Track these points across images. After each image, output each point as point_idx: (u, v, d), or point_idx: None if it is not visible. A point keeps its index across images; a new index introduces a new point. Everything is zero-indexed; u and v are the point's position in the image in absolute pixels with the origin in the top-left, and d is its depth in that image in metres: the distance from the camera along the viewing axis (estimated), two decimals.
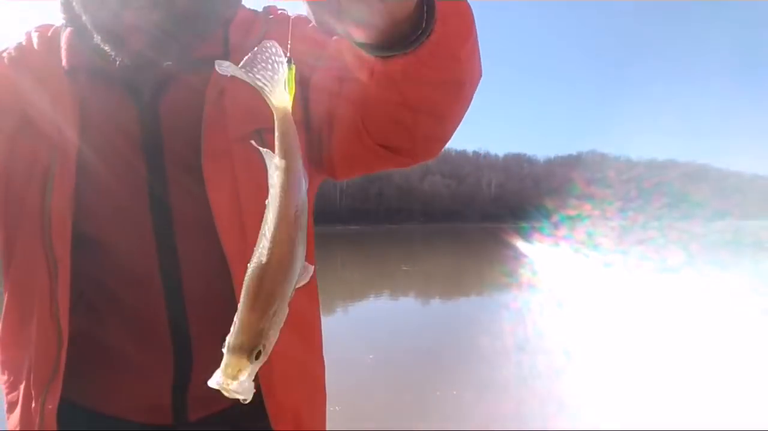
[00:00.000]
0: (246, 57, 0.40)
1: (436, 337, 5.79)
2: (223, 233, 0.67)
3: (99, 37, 0.68)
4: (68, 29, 0.74)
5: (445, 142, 0.72)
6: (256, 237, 0.41)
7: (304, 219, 0.41)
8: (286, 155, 0.40)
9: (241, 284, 0.41)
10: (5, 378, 0.72)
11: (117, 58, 0.68)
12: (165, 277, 0.70)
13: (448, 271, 13.31)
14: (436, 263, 15.67)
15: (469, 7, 0.60)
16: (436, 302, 8.97)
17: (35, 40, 0.75)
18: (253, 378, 0.38)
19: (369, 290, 9.69)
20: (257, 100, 0.48)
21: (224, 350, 0.38)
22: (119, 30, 0.67)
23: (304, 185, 0.41)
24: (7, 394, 0.72)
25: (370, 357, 4.57)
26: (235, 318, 0.38)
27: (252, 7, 0.80)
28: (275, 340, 0.40)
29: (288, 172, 0.40)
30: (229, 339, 0.37)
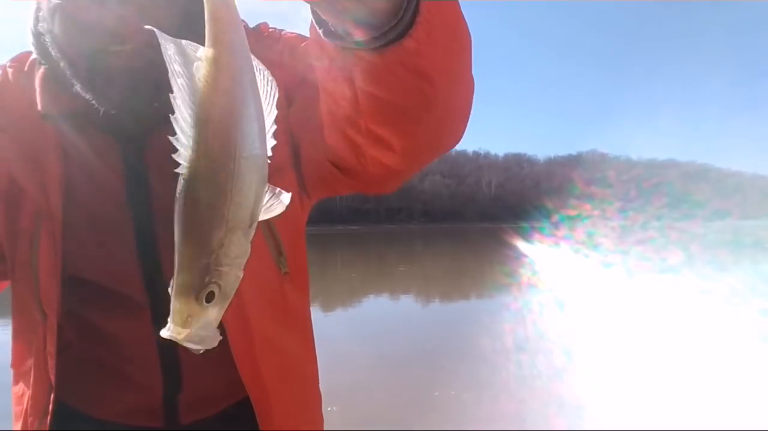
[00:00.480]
0: None
1: (435, 337, 5.79)
2: None
3: (79, 86, 0.64)
4: (42, 69, 0.69)
5: (400, 178, 0.68)
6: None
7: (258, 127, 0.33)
8: (215, 43, 0.32)
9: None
10: (14, 405, 0.75)
11: (100, 108, 0.65)
12: (156, 320, 0.71)
13: (448, 271, 13.31)
14: (436, 263, 15.67)
15: (461, 21, 0.52)
16: (436, 302, 8.97)
17: (11, 77, 0.71)
18: (212, 325, 0.33)
19: (369, 290, 9.69)
20: None
21: (170, 292, 0.32)
22: (101, 78, 0.63)
23: (266, 89, 0.34)
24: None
25: (370, 357, 4.57)
26: (175, 255, 0.32)
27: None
28: (236, 282, 0.34)
29: (218, 63, 0.32)
30: (172, 280, 0.32)
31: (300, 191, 0.77)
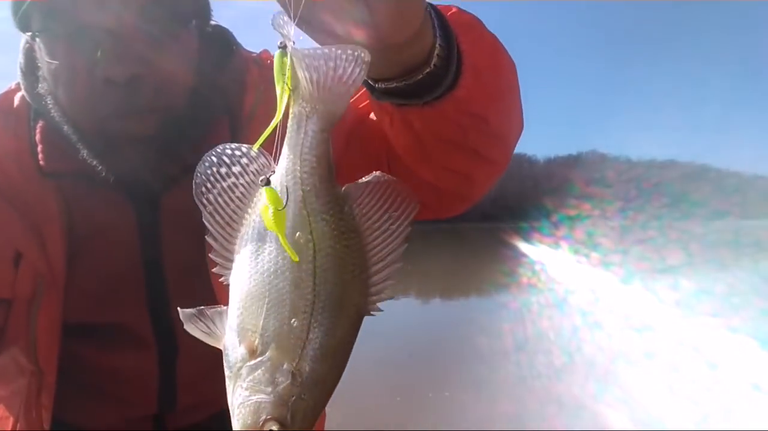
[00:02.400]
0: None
1: (435, 337, 5.78)
2: None
3: (85, 152, 0.63)
4: (40, 123, 0.67)
5: (474, 201, 0.71)
6: None
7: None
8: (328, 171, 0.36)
9: None
10: None
11: (109, 175, 0.64)
12: (162, 354, 0.72)
13: (448, 271, 13.29)
14: (436, 263, 15.66)
15: (504, 58, 0.54)
16: (436, 302, 8.96)
17: None
18: None
19: None
20: None
21: None
22: (111, 146, 0.62)
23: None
24: None
25: (370, 356, 4.57)
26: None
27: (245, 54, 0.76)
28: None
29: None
30: None
31: None
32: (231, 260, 0.38)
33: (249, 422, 0.36)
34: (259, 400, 0.36)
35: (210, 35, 0.71)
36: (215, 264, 0.47)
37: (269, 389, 0.36)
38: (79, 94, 0.61)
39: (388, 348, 5.19)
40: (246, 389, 0.37)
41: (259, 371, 0.36)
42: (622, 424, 3.06)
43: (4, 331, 0.66)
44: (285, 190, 0.36)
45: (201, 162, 0.38)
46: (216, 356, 0.52)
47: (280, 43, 0.37)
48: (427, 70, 0.45)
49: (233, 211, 0.38)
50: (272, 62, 0.78)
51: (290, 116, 0.37)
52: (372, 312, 0.38)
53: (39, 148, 0.66)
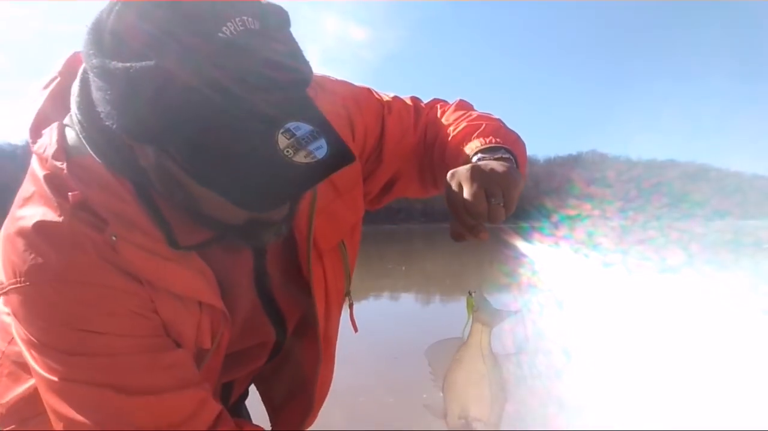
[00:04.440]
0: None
1: (435, 336, 5.79)
2: (321, 322, 0.84)
3: (218, 233, 0.66)
4: (164, 205, 0.63)
5: None
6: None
7: None
8: None
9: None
10: None
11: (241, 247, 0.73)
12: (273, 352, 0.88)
13: (448, 270, 13.31)
14: (436, 263, 15.67)
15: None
16: (436, 302, 8.97)
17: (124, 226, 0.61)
18: None
19: (369, 289, 9.68)
20: (337, 213, 0.78)
21: None
22: (248, 230, 0.64)
23: None
24: None
25: (370, 356, 4.57)
26: None
27: None
28: None
29: None
30: None
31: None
32: None
33: None
34: None
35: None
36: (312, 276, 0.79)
37: None
38: (230, 223, 0.63)
39: (389, 348, 5.20)
40: None
41: None
42: (622, 424, 3.06)
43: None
44: None
45: None
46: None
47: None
48: None
49: None
50: (331, 88, 0.86)
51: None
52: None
53: (172, 224, 0.63)
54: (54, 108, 0.66)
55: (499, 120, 0.86)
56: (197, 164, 0.53)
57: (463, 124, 0.85)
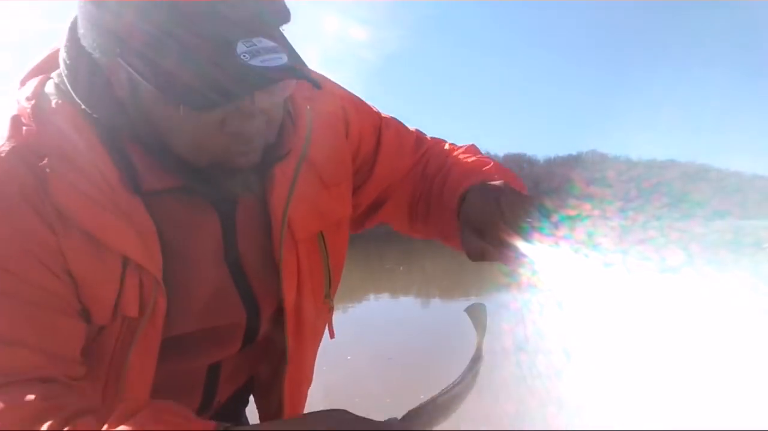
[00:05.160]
0: None
1: (436, 337, 5.80)
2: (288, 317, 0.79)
3: (182, 176, 0.64)
4: (135, 149, 0.64)
5: None
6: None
7: None
8: None
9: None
10: None
11: (205, 198, 0.68)
12: (247, 336, 0.81)
13: (448, 271, 13.31)
14: (436, 263, 15.67)
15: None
16: (436, 302, 8.97)
17: (76, 140, 0.62)
18: None
19: (369, 289, 9.69)
20: (319, 203, 0.72)
21: None
22: (215, 176, 0.63)
23: None
24: None
25: (370, 356, 4.57)
26: None
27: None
28: None
29: None
30: None
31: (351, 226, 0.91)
32: None
33: None
34: None
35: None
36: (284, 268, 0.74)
37: None
38: (200, 147, 0.61)
39: (389, 348, 5.20)
40: None
41: None
42: (622, 424, 3.06)
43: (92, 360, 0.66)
44: None
45: None
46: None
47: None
48: None
49: None
50: (330, 87, 0.85)
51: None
52: None
53: (139, 170, 0.64)
54: (42, 70, 0.69)
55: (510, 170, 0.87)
56: (156, 67, 0.56)
57: (473, 158, 0.87)
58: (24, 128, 0.62)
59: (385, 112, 0.91)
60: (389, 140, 0.89)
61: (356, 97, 0.89)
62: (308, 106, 0.76)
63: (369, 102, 0.92)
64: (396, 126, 0.93)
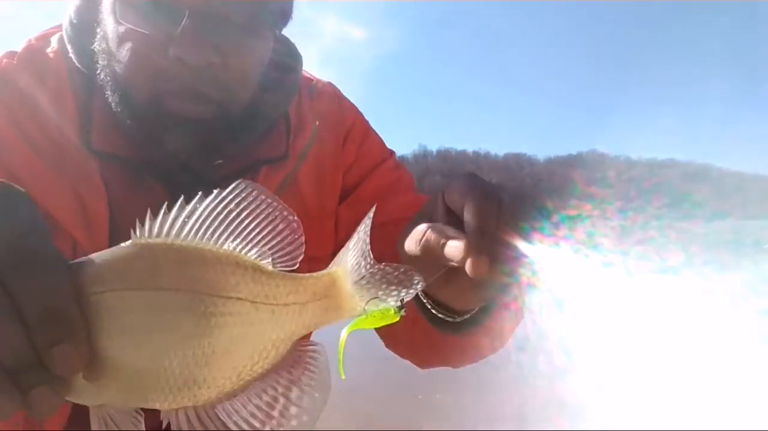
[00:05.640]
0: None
1: None
2: None
3: (135, 127, 0.59)
4: (95, 99, 0.62)
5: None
6: None
7: None
8: None
9: None
10: None
11: (153, 154, 0.61)
12: None
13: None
14: None
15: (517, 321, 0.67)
16: None
17: (33, 76, 0.62)
18: None
19: None
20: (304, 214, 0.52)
21: None
22: (160, 123, 0.58)
23: None
24: None
25: (370, 357, 4.57)
26: None
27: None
28: None
29: None
30: None
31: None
32: None
33: None
34: None
35: (280, 42, 0.69)
36: None
37: None
38: (142, 65, 0.57)
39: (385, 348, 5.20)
40: None
41: None
42: (622, 424, 3.06)
43: None
44: None
45: None
46: None
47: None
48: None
49: None
50: (329, 95, 0.79)
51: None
52: None
53: (93, 123, 0.62)
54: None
55: None
56: None
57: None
58: (5, 60, 0.64)
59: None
60: (385, 172, 0.79)
61: (374, 132, 0.82)
62: (317, 123, 0.72)
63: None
64: (408, 180, 0.82)
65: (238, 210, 0.37)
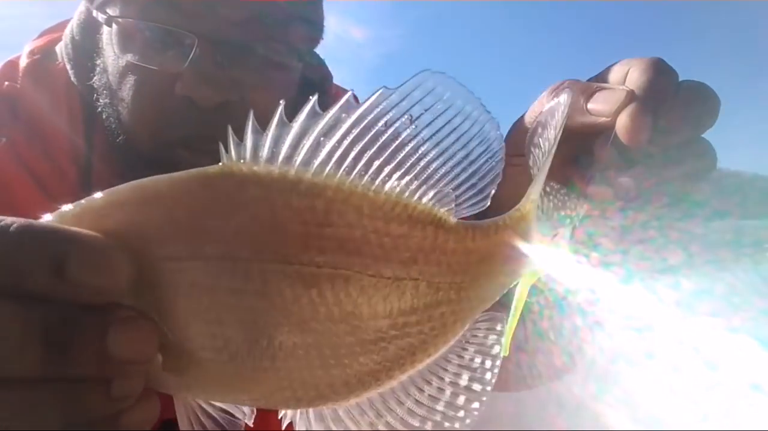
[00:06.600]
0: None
1: None
2: None
3: (129, 177, 0.58)
4: (101, 138, 0.56)
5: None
6: None
7: None
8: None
9: None
10: None
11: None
12: None
13: None
14: None
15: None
16: None
17: (49, 106, 0.55)
18: None
19: None
20: None
21: None
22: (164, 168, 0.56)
23: None
24: None
25: None
26: None
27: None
28: None
29: None
30: None
31: None
32: None
33: None
34: None
35: (310, 70, 0.61)
36: None
37: None
38: (146, 107, 0.49)
39: None
40: None
41: None
42: (622, 424, 3.05)
43: None
44: None
45: None
46: None
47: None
48: None
49: None
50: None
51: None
52: None
53: (94, 169, 0.55)
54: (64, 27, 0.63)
55: None
56: (121, 8, 0.48)
57: None
58: (6, 82, 0.56)
59: None
60: None
61: None
62: None
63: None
64: None
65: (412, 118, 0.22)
